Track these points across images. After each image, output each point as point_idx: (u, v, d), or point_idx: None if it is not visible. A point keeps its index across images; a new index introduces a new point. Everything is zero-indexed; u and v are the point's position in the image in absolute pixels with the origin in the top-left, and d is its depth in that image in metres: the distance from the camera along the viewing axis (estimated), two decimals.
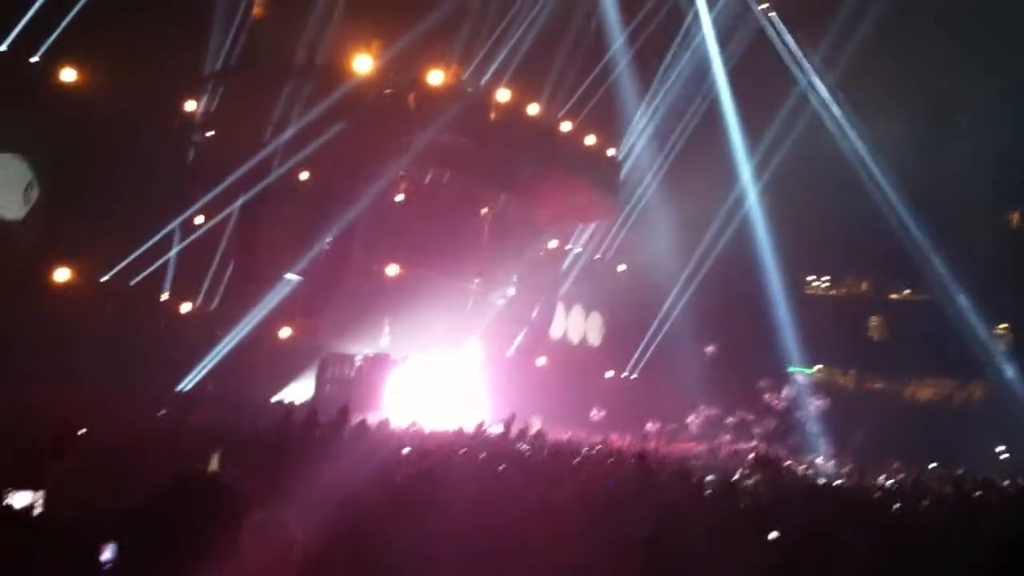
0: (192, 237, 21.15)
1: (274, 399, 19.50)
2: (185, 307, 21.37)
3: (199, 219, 21.54)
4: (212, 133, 22.68)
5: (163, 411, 12.74)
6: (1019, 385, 24.63)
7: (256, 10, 23.18)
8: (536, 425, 18.47)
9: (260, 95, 21.68)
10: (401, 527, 7.60)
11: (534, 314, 27.22)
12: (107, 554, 4.68)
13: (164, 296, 21.22)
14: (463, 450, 12.42)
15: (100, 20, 19.10)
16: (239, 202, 21.48)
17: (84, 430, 8.46)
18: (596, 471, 12.03)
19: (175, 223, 20.75)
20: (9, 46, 18.92)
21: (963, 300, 25.83)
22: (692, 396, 25.18)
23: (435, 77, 23.31)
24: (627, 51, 27.17)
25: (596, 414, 23.91)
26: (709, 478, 12.17)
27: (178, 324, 20.87)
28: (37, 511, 5.84)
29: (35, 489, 5.90)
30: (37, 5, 18.90)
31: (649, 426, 22.94)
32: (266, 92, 21.66)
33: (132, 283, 20.09)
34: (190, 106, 22.83)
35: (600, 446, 16.56)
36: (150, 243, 20.01)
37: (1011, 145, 25.16)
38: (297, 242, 22.11)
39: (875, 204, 26.58)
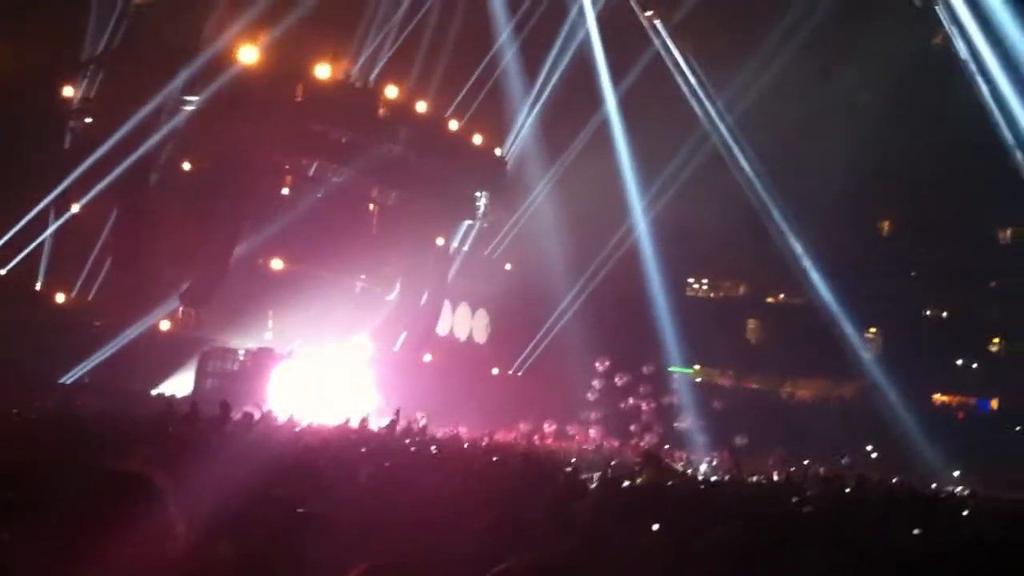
0: (66, 224, 20.53)
1: (155, 392, 19.06)
2: (60, 297, 20.70)
3: (75, 207, 20.92)
4: (90, 120, 22.03)
5: (43, 402, 12.36)
6: (887, 387, 25.62)
7: None
8: (422, 420, 18.43)
9: (141, 82, 21.12)
10: (282, 520, 7.55)
11: (420, 310, 27.17)
12: None
13: (38, 285, 20.54)
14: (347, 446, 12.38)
15: None
16: (118, 191, 20.92)
17: None
18: (483, 468, 12.14)
19: (50, 211, 20.12)
20: None
21: (835, 304, 26.72)
22: (577, 394, 25.55)
23: (323, 70, 23.12)
24: (514, 51, 27.35)
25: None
26: (595, 474, 12.40)
27: (54, 314, 20.21)
28: None
29: None
30: None
31: (546, 426, 23.21)
32: (147, 79, 21.11)
33: (4, 270, 19.45)
34: (68, 91, 22.16)
35: (486, 441, 16.70)
36: (21, 228, 19.37)
37: (883, 153, 26.23)
38: (179, 233, 21.66)
39: (754, 209, 27.33)
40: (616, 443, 22.95)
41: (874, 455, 23.35)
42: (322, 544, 7.28)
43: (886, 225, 30.56)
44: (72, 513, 4.03)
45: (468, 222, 28.81)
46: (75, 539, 3.78)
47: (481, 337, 30.33)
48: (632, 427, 24.96)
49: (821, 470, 16.59)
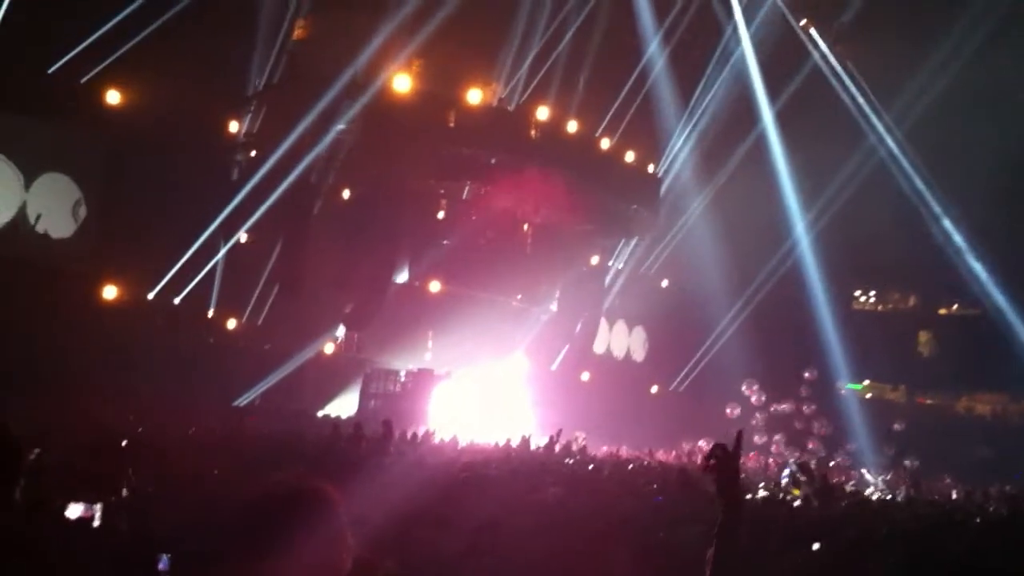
0: (234, 254, 21.37)
1: (320, 413, 19.62)
2: (231, 323, 21.57)
3: (243, 237, 21.79)
4: (255, 153, 22.91)
5: (216, 423, 12.84)
6: None
7: (298, 31, 23.46)
8: (580, 439, 18.35)
9: (301, 114, 21.86)
10: (449, 538, 7.57)
11: (577, 329, 27.13)
12: (162, 564, 4.69)
13: (210, 312, 21.44)
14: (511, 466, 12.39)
15: (147, 42, 19.39)
16: (282, 220, 21.72)
17: (137, 435, 8.51)
18: (639, 486, 11.95)
19: (219, 241, 20.98)
20: (60, 68, 19.25)
21: (1013, 313, 25.39)
22: (741, 413, 24.95)
23: (474, 95, 23.45)
24: (665, 65, 27.08)
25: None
26: (760, 494, 12.07)
27: (224, 340, 21.09)
28: (96, 522, 5.85)
29: (93, 500, 5.91)
30: (96, 33, 19.23)
31: (701, 443, 22.77)
32: (307, 111, 21.85)
33: (177, 299, 20.35)
34: (234, 126, 23.08)
35: (647, 461, 16.47)
36: (193, 259, 20.25)
37: None
38: (341, 259, 22.31)
39: (923, 219, 26.25)
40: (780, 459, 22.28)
41: None
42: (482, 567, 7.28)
43: None
44: (249, 525, 4.08)
45: (624, 240, 28.68)
46: (254, 550, 3.84)
47: (639, 355, 30.06)
48: (805, 445, 24.16)
49: (1007, 488, 15.70)
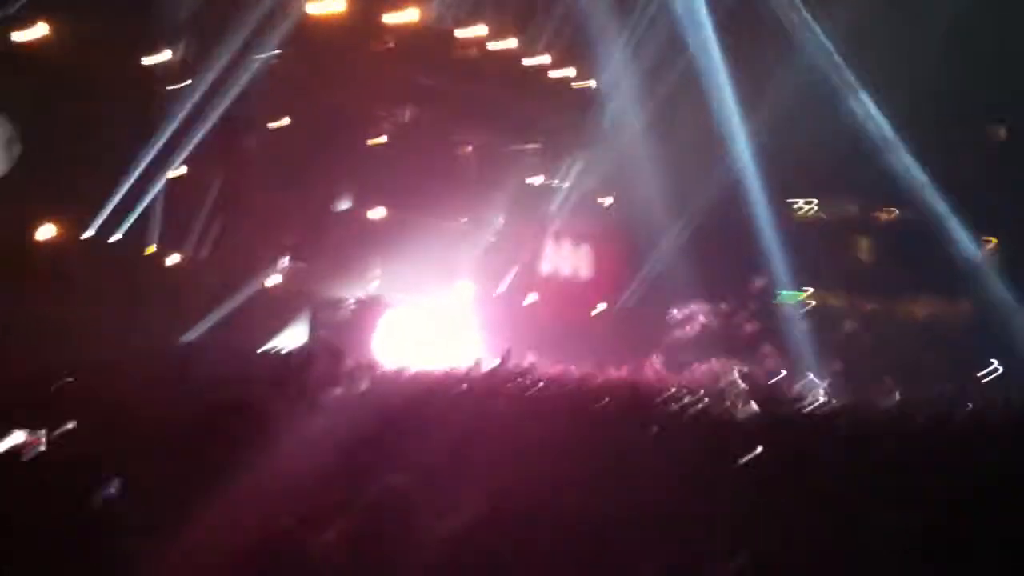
0: (171, 191, 20.99)
1: (268, 345, 19.58)
2: (173, 259, 21.28)
3: (180, 171, 21.37)
4: (187, 83, 22.39)
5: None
6: (1008, 300, 24.72)
7: None
8: (530, 359, 18.55)
9: (231, 43, 21.34)
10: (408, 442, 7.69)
11: (524, 249, 27.18)
12: (110, 489, 4.67)
13: (151, 249, 21.13)
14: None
15: None
16: (220, 155, 21.33)
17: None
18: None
19: (155, 176, 20.59)
20: None
21: (951, 217, 25.80)
22: (684, 326, 25.28)
23: (408, 15, 23.06)
24: None
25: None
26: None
27: (165, 276, 20.84)
28: (42, 447, 5.84)
29: (37, 428, 5.89)
30: None
31: (654, 358, 23.12)
32: (237, 40, 21.32)
33: (117, 237, 20.06)
34: (162, 57, 22.51)
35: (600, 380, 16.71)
36: (129, 196, 19.92)
37: (992, 63, 25.01)
38: (282, 191, 22.04)
39: (858, 125, 26.37)
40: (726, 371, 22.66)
41: (998, 373, 22.56)
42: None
43: (1001, 131, 29.16)
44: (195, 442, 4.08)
45: (566, 158, 28.60)
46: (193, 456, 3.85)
47: (586, 272, 30.14)
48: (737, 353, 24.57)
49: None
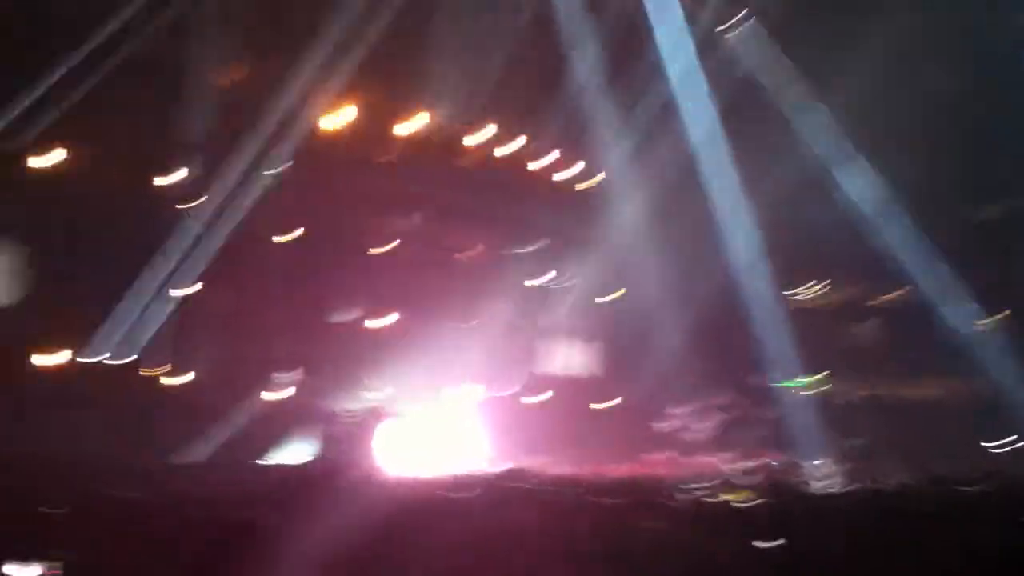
0: (178, 306, 21.24)
1: (272, 460, 19.57)
2: (179, 379, 21.40)
3: (185, 291, 21.66)
4: (197, 203, 22.84)
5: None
6: (1012, 378, 24.60)
7: (223, 80, 23.40)
8: (537, 463, 18.52)
9: (236, 162, 21.84)
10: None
11: (526, 351, 27.24)
12: None
13: (155, 369, 21.28)
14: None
15: (79, 103, 19.37)
16: (220, 270, 21.60)
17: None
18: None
19: (161, 293, 20.86)
20: None
21: (950, 297, 25.85)
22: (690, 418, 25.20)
23: (403, 128, 23.53)
24: (599, 78, 27.23)
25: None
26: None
27: (166, 395, 20.92)
28: None
29: (48, 559, 5.94)
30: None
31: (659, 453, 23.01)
32: (241, 159, 21.82)
33: (122, 359, 20.21)
34: (172, 178, 22.98)
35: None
36: (132, 315, 20.14)
37: (977, 139, 25.34)
38: (282, 304, 22.24)
39: (852, 209, 26.62)
40: (728, 462, 22.59)
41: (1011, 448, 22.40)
42: None
43: (992, 210, 29.40)
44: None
45: (567, 257, 28.81)
46: None
47: (589, 370, 30.16)
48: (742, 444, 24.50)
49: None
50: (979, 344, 25.98)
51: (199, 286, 21.56)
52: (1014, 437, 22.83)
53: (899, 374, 28.37)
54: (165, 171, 22.83)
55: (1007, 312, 27.55)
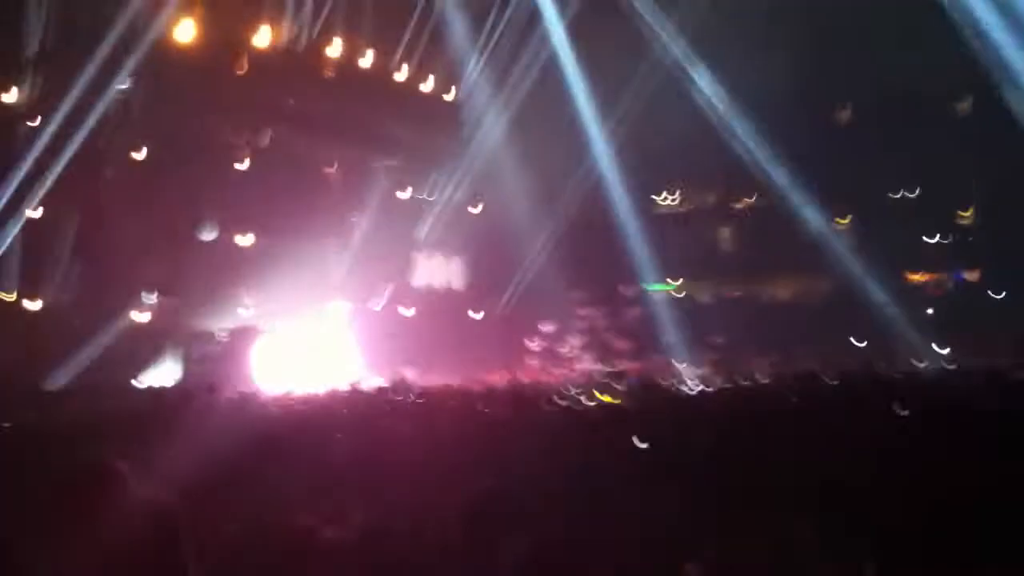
0: (29, 230, 20.31)
1: (141, 383, 19.12)
2: (35, 304, 20.59)
3: (34, 212, 20.68)
4: (38, 121, 21.73)
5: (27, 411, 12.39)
6: (864, 275, 25.72)
7: None
8: (407, 374, 18.59)
9: (81, 76, 20.79)
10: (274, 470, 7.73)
11: (395, 265, 27.19)
12: None
13: (11, 296, 20.41)
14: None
15: None
16: (76, 191, 20.69)
17: None
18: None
19: (9, 218, 19.91)
20: None
21: (804, 200, 26.74)
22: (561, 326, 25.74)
23: (262, 38, 22.85)
24: None
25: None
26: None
27: (28, 322, 20.14)
28: None
29: None
30: None
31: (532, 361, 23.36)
32: (87, 72, 20.78)
33: None
34: (11, 96, 21.81)
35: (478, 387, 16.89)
36: None
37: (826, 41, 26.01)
38: (144, 223, 21.51)
39: (713, 120, 27.14)
40: (600, 366, 23.20)
41: (861, 345, 23.54)
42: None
43: (844, 115, 30.49)
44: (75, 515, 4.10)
45: (431, 170, 28.73)
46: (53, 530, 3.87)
47: (459, 284, 30.37)
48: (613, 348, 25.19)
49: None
50: (832, 244, 27.12)
51: (46, 207, 20.55)
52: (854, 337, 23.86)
53: (758, 275, 29.55)
54: (7, 87, 21.63)
55: (853, 214, 28.90)
